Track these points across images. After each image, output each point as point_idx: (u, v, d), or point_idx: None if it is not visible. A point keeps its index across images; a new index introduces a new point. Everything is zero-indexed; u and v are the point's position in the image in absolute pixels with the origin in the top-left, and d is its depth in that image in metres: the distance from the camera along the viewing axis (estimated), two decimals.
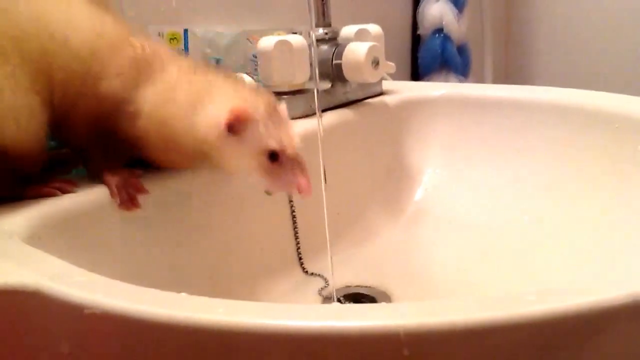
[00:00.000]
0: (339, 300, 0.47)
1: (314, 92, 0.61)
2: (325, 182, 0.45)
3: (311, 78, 0.62)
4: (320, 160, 0.43)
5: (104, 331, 0.24)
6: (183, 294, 0.24)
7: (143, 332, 0.23)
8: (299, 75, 0.59)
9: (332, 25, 0.65)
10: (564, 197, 0.59)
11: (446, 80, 0.98)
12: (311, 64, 0.61)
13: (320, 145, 0.43)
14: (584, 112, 0.59)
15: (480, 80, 1.11)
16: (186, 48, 0.61)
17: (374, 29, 0.68)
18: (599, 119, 0.57)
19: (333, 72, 0.62)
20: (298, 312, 0.22)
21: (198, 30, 0.62)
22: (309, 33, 0.64)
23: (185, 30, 0.61)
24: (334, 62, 0.62)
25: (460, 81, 0.98)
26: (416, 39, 1.01)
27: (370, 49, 0.60)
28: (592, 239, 0.53)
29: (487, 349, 0.21)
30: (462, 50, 1.00)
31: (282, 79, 0.58)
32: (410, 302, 0.22)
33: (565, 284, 0.50)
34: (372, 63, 0.61)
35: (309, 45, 0.64)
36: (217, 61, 0.64)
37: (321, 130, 0.43)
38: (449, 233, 0.63)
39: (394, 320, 0.21)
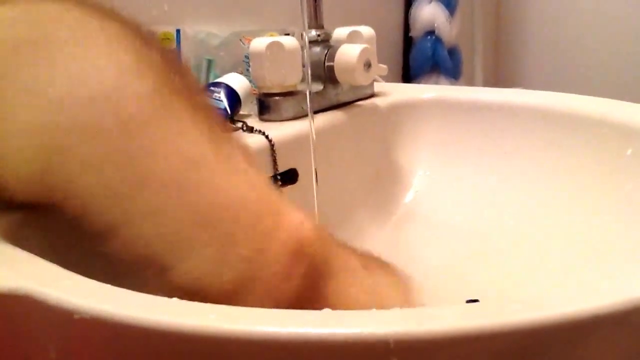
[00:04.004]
0: None
1: (305, 94, 0.61)
2: (317, 184, 0.45)
3: (303, 80, 0.62)
4: (312, 162, 0.43)
5: (93, 337, 0.24)
6: (174, 299, 0.25)
7: (132, 337, 0.23)
8: (291, 76, 0.59)
9: (325, 27, 0.65)
10: (552, 200, 0.60)
11: (437, 83, 0.98)
12: (303, 66, 0.61)
13: (312, 147, 0.43)
14: (573, 116, 0.60)
15: (471, 82, 1.11)
16: (178, 48, 0.61)
17: (367, 31, 0.68)
18: (588, 123, 0.58)
19: (325, 74, 0.62)
20: (288, 318, 0.22)
21: (190, 30, 0.62)
22: (302, 34, 0.64)
23: (178, 31, 0.61)
24: (326, 64, 0.62)
25: (451, 83, 0.99)
26: (408, 41, 1.02)
27: (363, 51, 0.60)
28: (580, 242, 0.54)
29: (475, 358, 0.21)
30: (453, 52, 1.00)
31: (274, 81, 0.58)
32: (399, 310, 0.22)
33: (553, 287, 0.51)
34: (364, 65, 0.61)
35: (301, 47, 0.64)
36: (209, 62, 0.64)
37: (313, 133, 0.43)
38: (438, 235, 0.63)
39: (384, 328, 0.21)
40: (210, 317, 0.22)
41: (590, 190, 0.56)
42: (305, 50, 0.56)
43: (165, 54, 0.34)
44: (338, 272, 0.33)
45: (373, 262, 0.37)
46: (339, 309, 0.30)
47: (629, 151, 0.53)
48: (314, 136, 0.44)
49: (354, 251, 0.36)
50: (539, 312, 0.21)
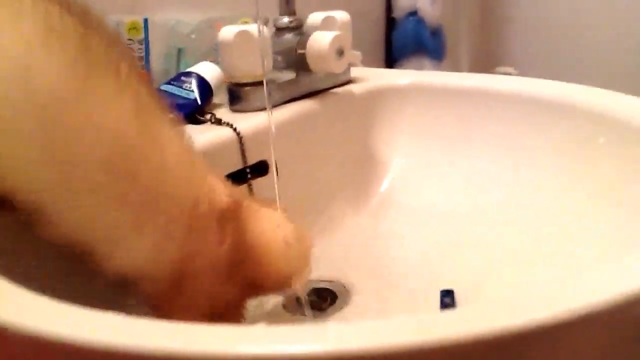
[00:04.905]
0: (297, 300, 0.48)
1: (277, 83, 0.60)
2: (278, 177, 0.45)
3: (275, 68, 0.61)
4: (272, 156, 0.43)
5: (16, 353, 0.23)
6: (109, 314, 0.24)
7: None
8: (261, 66, 0.58)
9: (301, 12, 0.64)
10: (531, 186, 0.59)
11: (420, 65, 0.97)
12: (275, 54, 0.60)
13: (271, 140, 0.42)
14: (553, 103, 0.59)
15: (456, 64, 1.10)
16: (146, 38, 0.59)
17: (341, 16, 0.66)
18: (565, 110, 0.57)
19: (297, 62, 0.61)
20: (225, 336, 0.22)
21: (159, 19, 0.60)
22: (269, 21, 0.63)
23: (145, 20, 0.59)
24: (298, 51, 0.61)
25: (435, 65, 0.98)
26: (390, 23, 1.00)
27: (335, 39, 0.59)
28: (560, 228, 0.54)
29: None
30: (436, 33, 0.99)
31: (243, 71, 0.57)
32: (333, 324, 0.22)
33: (534, 277, 0.51)
34: (337, 53, 0.60)
35: (273, 34, 0.63)
36: (179, 50, 0.63)
37: (272, 127, 0.43)
38: (415, 224, 0.63)
39: (316, 346, 0.21)
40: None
41: (569, 175, 0.55)
42: (270, 38, 0.54)
43: (88, 24, 0.32)
44: (252, 216, 0.38)
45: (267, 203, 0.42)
46: (261, 243, 0.38)
47: (601, 140, 0.52)
48: (274, 130, 0.43)
49: (255, 198, 0.44)
50: (471, 326, 0.21)
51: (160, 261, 0.34)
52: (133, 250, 0.32)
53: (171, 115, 0.36)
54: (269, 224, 0.39)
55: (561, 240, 0.53)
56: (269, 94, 0.48)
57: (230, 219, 0.37)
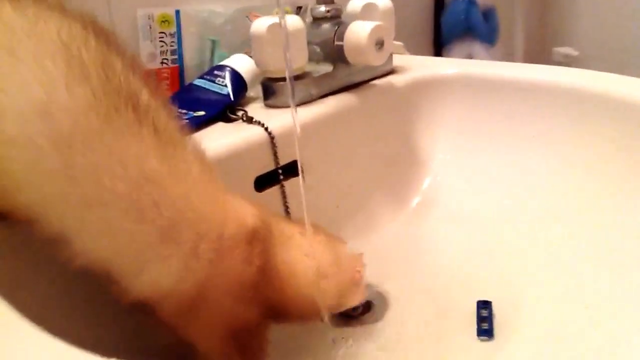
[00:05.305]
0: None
1: (313, 76, 0.57)
2: (304, 180, 0.44)
3: (311, 60, 0.58)
4: (298, 158, 0.41)
5: None
6: None
7: None
8: (296, 59, 0.55)
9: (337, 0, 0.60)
10: (581, 188, 0.55)
11: (470, 49, 0.92)
12: (310, 44, 0.57)
13: (297, 143, 0.40)
14: (611, 99, 0.53)
15: (510, 45, 1.03)
16: (179, 31, 0.58)
17: (383, 2, 0.62)
18: (622, 106, 0.52)
19: (335, 53, 0.58)
20: None
21: (191, 9, 0.59)
22: (307, 9, 0.60)
23: (177, 11, 0.57)
24: (336, 43, 0.58)
25: (486, 49, 0.92)
26: (440, 4, 0.95)
27: (374, 29, 0.55)
28: (606, 242, 0.50)
29: None
30: (488, 15, 0.93)
31: (277, 65, 0.54)
32: None
33: (567, 290, 0.47)
34: (376, 45, 0.56)
35: (310, 24, 0.60)
36: (214, 42, 0.61)
37: (298, 128, 0.40)
38: (457, 226, 0.59)
39: None
40: None
41: (625, 184, 0.51)
42: (284, 32, 0.51)
43: (109, 46, 0.32)
44: (281, 242, 0.38)
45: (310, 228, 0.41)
46: (286, 270, 0.38)
47: None
48: (299, 130, 0.40)
49: (290, 221, 0.42)
50: None
51: (183, 286, 0.33)
52: (158, 277, 0.32)
53: (188, 135, 0.36)
54: (297, 252, 0.39)
55: (610, 249, 0.49)
56: (293, 93, 0.46)
57: (259, 241, 0.36)
